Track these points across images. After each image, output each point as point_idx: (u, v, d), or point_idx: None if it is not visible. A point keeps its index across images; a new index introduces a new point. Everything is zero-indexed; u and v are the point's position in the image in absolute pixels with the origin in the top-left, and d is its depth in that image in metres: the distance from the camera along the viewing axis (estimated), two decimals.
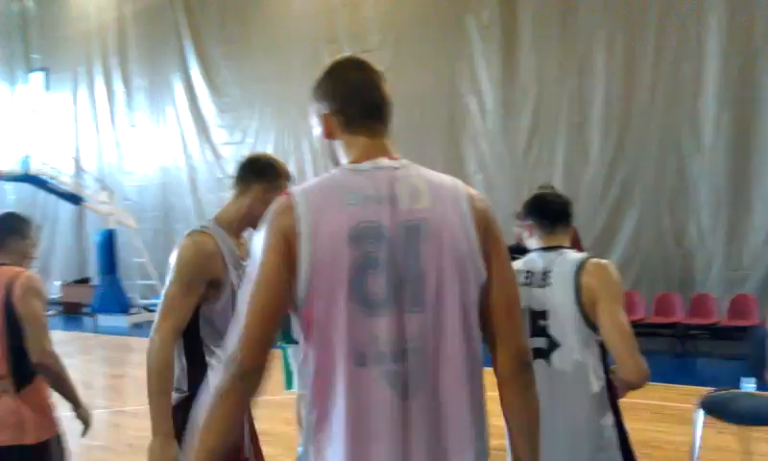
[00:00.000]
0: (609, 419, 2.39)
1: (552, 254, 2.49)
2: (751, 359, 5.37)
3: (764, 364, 4.08)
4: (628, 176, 10.04)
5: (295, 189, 1.51)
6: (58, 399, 3.04)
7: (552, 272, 2.45)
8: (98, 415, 4.30)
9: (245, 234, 2.49)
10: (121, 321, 13.75)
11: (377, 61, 1.64)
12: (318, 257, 1.42)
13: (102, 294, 14.52)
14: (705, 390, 4.26)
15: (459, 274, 1.48)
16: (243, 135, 14.50)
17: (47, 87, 18.02)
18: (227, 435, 1.46)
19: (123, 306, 14.21)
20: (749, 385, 4.32)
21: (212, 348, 2.33)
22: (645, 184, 9.90)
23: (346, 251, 1.43)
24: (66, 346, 10.02)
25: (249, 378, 1.44)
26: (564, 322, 2.40)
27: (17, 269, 2.97)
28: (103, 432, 6.15)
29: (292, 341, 3.58)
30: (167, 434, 2.21)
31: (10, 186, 17.45)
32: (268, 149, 13.46)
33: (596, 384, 2.37)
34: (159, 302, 2.32)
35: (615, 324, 2.32)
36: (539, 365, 2.38)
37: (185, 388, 2.36)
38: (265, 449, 2.61)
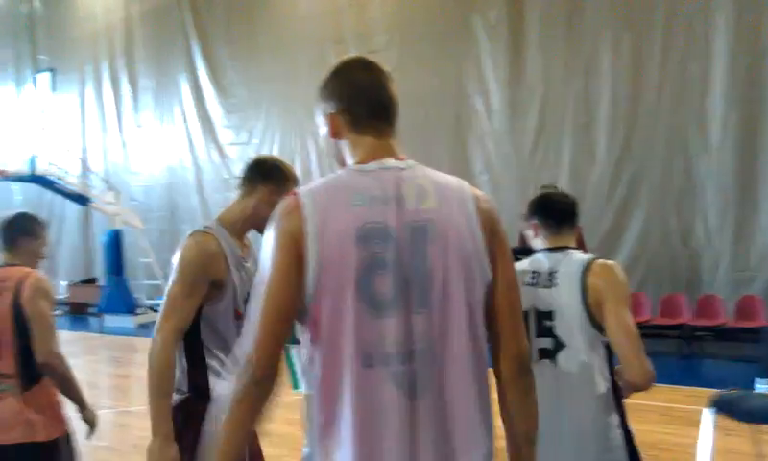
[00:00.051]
0: (615, 419, 2.39)
1: (558, 255, 2.48)
2: (763, 361, 5.35)
3: None
4: (634, 176, 10.01)
5: (301, 190, 1.51)
6: (63, 400, 3.05)
7: (558, 272, 2.44)
8: (104, 415, 4.31)
9: (248, 236, 2.49)
10: (127, 321, 13.79)
11: (384, 62, 1.64)
12: (325, 256, 1.42)
13: (108, 294, 14.58)
14: (711, 392, 4.24)
15: (465, 273, 1.48)
16: (249, 136, 14.53)
17: (54, 88, 18.11)
18: (243, 441, 1.48)
19: (129, 307, 14.25)
20: (763, 386, 4.30)
21: (213, 349, 2.33)
22: (652, 185, 9.87)
23: (353, 250, 1.43)
24: (72, 346, 10.07)
25: (263, 382, 1.44)
26: (570, 322, 2.39)
27: (26, 270, 2.99)
28: (108, 433, 6.15)
29: (294, 340, 3.57)
30: (167, 435, 2.20)
31: (17, 187, 17.53)
32: (274, 149, 13.49)
33: (602, 385, 2.37)
34: (162, 302, 2.32)
35: (621, 325, 2.32)
36: (545, 365, 2.38)
37: (186, 389, 2.36)
38: (269, 450, 2.61)
